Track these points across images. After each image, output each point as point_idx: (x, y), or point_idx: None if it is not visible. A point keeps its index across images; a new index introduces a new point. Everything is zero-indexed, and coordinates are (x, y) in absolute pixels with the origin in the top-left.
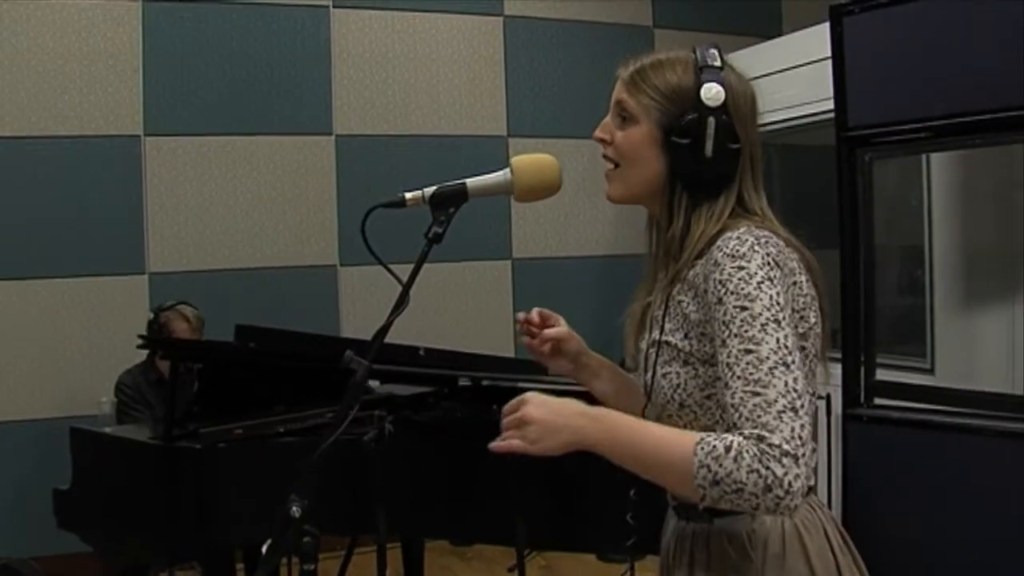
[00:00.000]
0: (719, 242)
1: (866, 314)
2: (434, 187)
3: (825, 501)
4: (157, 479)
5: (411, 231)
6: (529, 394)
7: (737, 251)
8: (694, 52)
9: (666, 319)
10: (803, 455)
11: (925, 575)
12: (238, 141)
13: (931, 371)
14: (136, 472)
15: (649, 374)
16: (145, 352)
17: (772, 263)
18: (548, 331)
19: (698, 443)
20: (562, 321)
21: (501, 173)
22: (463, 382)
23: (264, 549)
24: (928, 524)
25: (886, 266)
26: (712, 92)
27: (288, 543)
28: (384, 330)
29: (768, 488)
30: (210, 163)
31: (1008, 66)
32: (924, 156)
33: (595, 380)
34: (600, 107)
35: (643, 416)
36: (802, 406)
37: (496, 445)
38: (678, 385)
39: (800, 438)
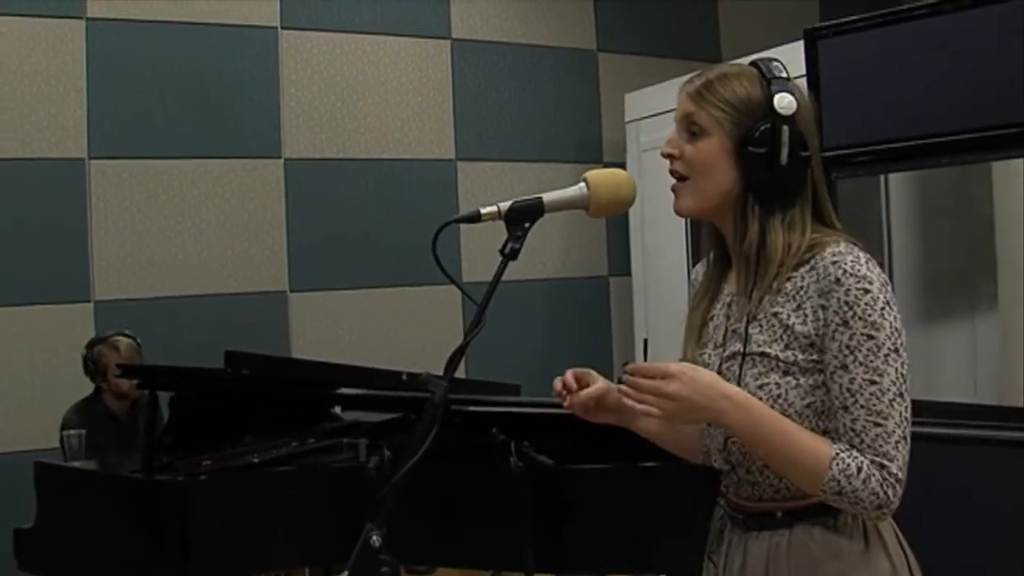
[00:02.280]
0: (831, 257)
1: None
2: (510, 201)
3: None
4: (135, 514)
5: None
6: (676, 366)
7: (858, 271)
8: (756, 66)
9: (759, 332)
10: (905, 477)
11: None
12: (185, 164)
13: None
14: (111, 507)
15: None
16: (90, 385)
17: (886, 283)
18: (587, 392)
19: (834, 458)
20: (594, 375)
21: (577, 188)
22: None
23: None
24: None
25: None
26: (785, 101)
27: (367, 573)
28: (461, 351)
29: (879, 507)
30: (157, 187)
31: (975, 88)
32: (882, 175)
33: (638, 421)
34: (546, 129)
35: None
36: (909, 432)
37: (633, 405)
38: (779, 396)
39: (906, 464)
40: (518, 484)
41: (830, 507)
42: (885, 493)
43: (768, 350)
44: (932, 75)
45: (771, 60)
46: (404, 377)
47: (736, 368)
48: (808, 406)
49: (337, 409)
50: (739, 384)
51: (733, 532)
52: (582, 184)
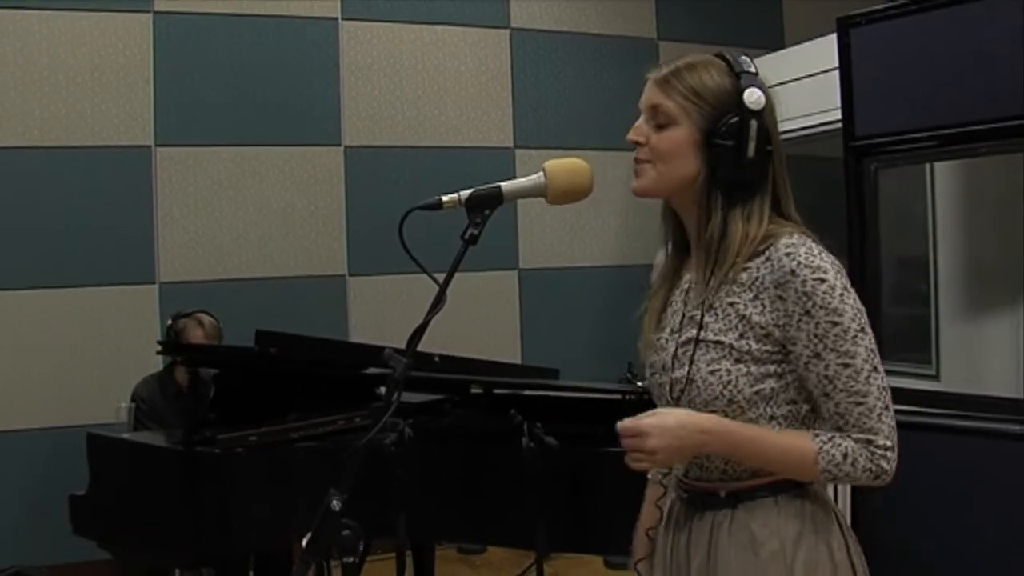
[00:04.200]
0: (785, 248)
1: (872, 322)
2: (470, 190)
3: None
4: (175, 484)
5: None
6: (646, 423)
7: (811, 261)
8: (724, 58)
9: (714, 319)
10: (895, 441)
11: None
12: (248, 152)
13: (936, 377)
14: (154, 477)
15: (684, 370)
16: (161, 362)
17: (839, 269)
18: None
19: (819, 453)
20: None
21: (535, 177)
22: (475, 389)
23: (304, 542)
24: (936, 526)
25: (891, 275)
26: (755, 96)
27: (328, 536)
28: (422, 329)
29: (876, 477)
30: (220, 173)
31: (1012, 75)
32: (928, 166)
33: None
34: (605, 118)
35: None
36: (889, 399)
37: (634, 466)
38: (729, 382)
39: (894, 429)
40: (529, 464)
41: (772, 488)
42: (877, 465)
43: (723, 338)
44: (967, 62)
45: (739, 54)
46: (436, 359)
47: (690, 352)
48: (756, 393)
49: (382, 389)
50: (691, 368)
51: (680, 511)
52: (540, 173)
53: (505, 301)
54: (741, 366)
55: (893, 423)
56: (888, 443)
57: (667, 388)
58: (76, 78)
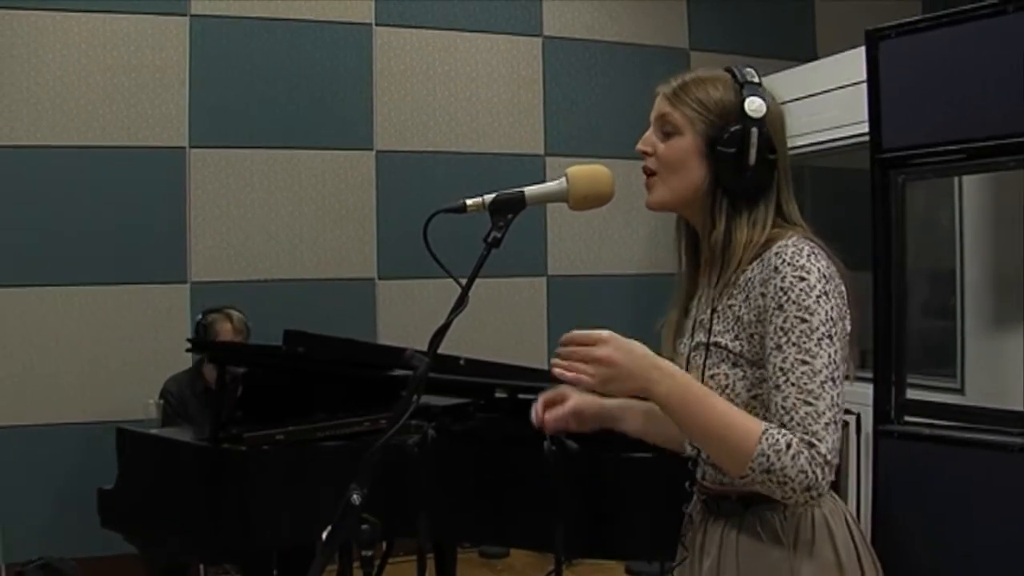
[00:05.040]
0: (776, 249)
1: (897, 335)
2: (494, 194)
3: (854, 515)
4: (201, 480)
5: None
6: (607, 332)
7: (797, 261)
8: (730, 71)
9: (715, 322)
10: (835, 464)
11: None
12: (280, 154)
13: (961, 391)
14: (180, 472)
15: (694, 374)
16: (191, 359)
17: (827, 276)
18: (560, 412)
19: (764, 432)
20: (569, 392)
21: (557, 182)
22: (500, 394)
23: (323, 536)
24: (956, 538)
25: (917, 288)
26: (755, 105)
27: (348, 530)
28: (444, 329)
29: (807, 488)
30: (252, 175)
31: None
32: (956, 179)
33: (622, 424)
34: (636, 127)
35: None
36: (840, 419)
37: (561, 372)
38: (726, 386)
39: (836, 450)
40: (551, 467)
41: None
42: (814, 472)
43: (721, 340)
44: (995, 76)
45: (745, 66)
46: (462, 363)
47: (699, 358)
48: (754, 397)
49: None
50: (693, 371)
51: (699, 513)
52: (563, 178)
53: (533, 307)
54: (737, 369)
55: (837, 444)
56: (829, 457)
57: None
58: (113, 79)
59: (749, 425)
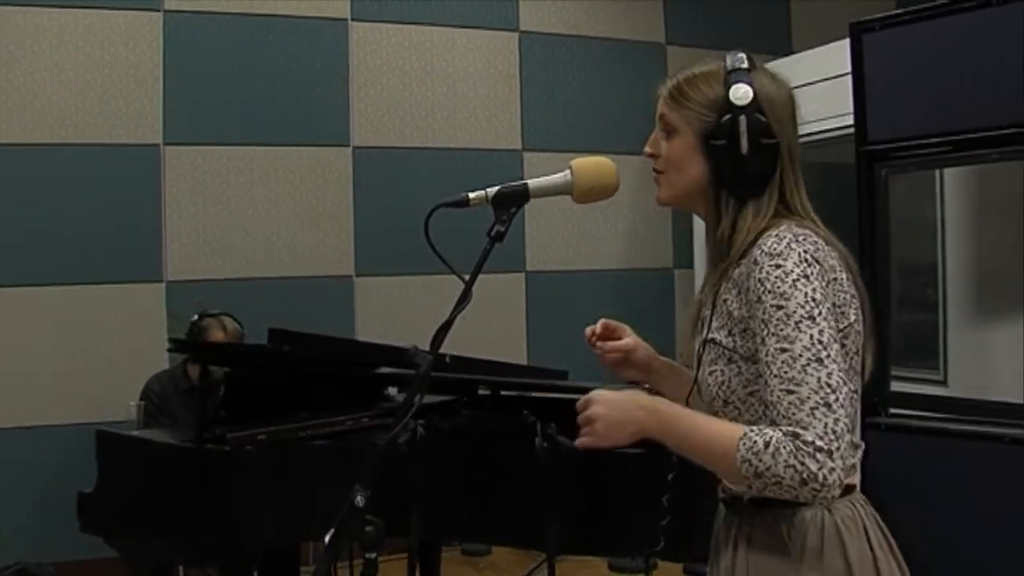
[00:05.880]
0: (759, 240)
1: (882, 326)
2: (497, 187)
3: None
4: (184, 481)
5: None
6: (594, 392)
7: (774, 249)
8: (724, 60)
9: (714, 318)
10: (836, 449)
11: None
12: (256, 151)
13: (944, 383)
14: (163, 474)
15: (696, 375)
16: (168, 360)
17: (810, 260)
18: (614, 343)
19: (741, 438)
20: (628, 331)
21: (561, 174)
22: (483, 391)
23: (327, 538)
24: (945, 529)
25: (900, 281)
26: (740, 92)
27: (351, 531)
28: (447, 326)
29: (804, 482)
30: (228, 172)
31: None
32: (938, 171)
33: (665, 383)
34: (613, 122)
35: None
36: (836, 400)
37: (577, 443)
38: (723, 382)
39: (834, 432)
40: (542, 464)
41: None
42: (804, 465)
43: (716, 336)
44: (980, 69)
45: (736, 54)
46: (448, 360)
47: (702, 353)
48: (751, 394)
49: (393, 391)
50: (699, 369)
51: (720, 513)
52: (567, 171)
53: (511, 304)
54: (733, 366)
55: (834, 427)
56: (820, 443)
57: (696, 391)
58: (85, 76)
59: (728, 433)
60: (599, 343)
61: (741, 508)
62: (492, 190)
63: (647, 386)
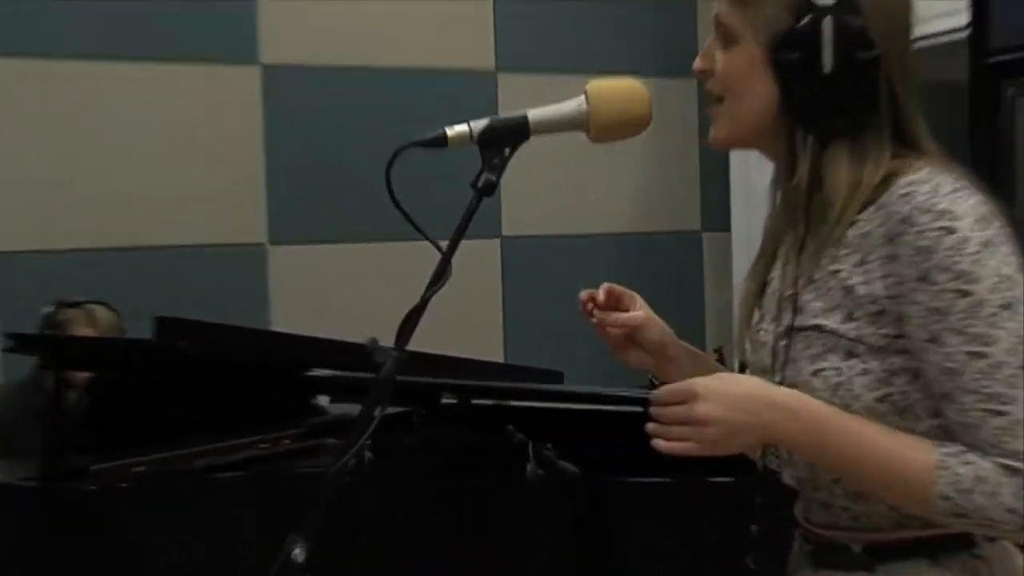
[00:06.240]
0: (901, 189)
1: None
2: (485, 120)
3: None
4: (28, 534)
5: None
6: (700, 384)
7: (935, 205)
8: None
9: (813, 297)
10: None
11: None
12: (133, 69)
13: None
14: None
15: (780, 375)
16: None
17: (985, 216)
18: (619, 315)
19: (938, 468)
20: (640, 302)
21: (574, 102)
22: (447, 399)
23: None
24: None
25: None
26: None
27: None
28: (419, 310)
29: None
30: (99, 96)
31: None
32: None
33: (680, 377)
34: (608, 36)
35: None
36: None
37: (667, 446)
38: (838, 385)
39: None
40: (537, 498)
41: (928, 544)
42: None
43: (824, 321)
44: None
45: None
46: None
47: (797, 347)
48: (882, 400)
49: (326, 400)
50: (783, 369)
51: (803, 568)
52: (581, 97)
53: (484, 278)
54: (855, 361)
55: None
56: None
57: None
58: None
59: (917, 458)
60: (599, 312)
61: (849, 560)
62: (479, 124)
63: (653, 378)
